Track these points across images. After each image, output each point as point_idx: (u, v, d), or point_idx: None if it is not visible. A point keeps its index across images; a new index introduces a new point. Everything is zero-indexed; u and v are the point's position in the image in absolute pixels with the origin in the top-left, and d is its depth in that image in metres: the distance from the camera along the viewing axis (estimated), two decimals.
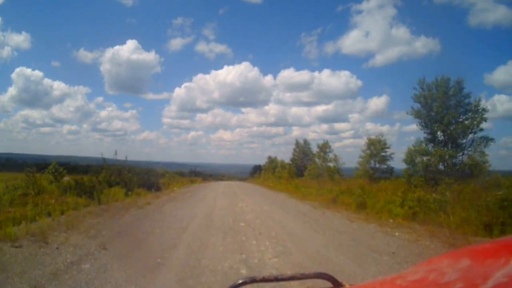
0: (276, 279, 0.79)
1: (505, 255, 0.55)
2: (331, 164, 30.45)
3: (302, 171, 41.53)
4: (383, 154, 24.55)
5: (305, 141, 42.50)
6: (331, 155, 33.59)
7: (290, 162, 42.97)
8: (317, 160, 34.93)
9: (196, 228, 7.67)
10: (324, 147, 34.07)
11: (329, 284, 0.82)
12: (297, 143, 42.71)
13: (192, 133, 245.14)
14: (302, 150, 41.82)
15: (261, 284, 0.82)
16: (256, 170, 78.97)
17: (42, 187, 11.31)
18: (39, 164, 16.46)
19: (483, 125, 18.01)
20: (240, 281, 0.77)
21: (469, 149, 18.91)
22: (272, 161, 59.38)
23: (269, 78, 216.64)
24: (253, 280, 0.77)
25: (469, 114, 18.52)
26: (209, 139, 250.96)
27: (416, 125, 20.27)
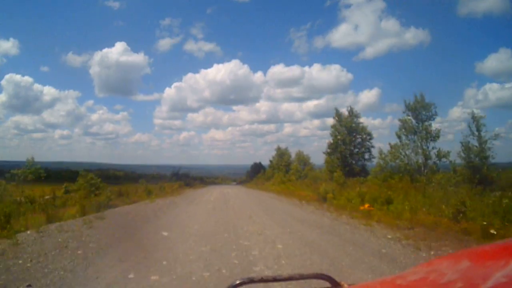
0: (275, 279, 0.77)
1: (504, 257, 0.55)
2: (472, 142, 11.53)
3: (351, 167, 23.04)
4: None
5: (351, 111, 23.59)
6: (436, 125, 15.22)
7: (329, 151, 23.90)
8: (404, 139, 16.11)
9: None
10: (421, 106, 15.44)
11: (327, 284, 0.78)
12: (337, 115, 23.71)
13: (184, 134, 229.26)
14: (349, 127, 23.03)
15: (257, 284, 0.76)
16: (257, 170, 60.05)
17: None
18: None
19: None
20: (238, 282, 0.74)
21: None
22: (282, 154, 40.36)
23: (259, 75, 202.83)
24: (251, 281, 0.74)
25: None
26: (201, 139, 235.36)
27: None
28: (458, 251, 0.73)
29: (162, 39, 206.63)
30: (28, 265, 4.13)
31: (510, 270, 0.49)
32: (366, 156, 23.24)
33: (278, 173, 36.43)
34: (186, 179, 46.43)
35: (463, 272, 0.57)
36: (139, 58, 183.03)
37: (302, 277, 0.78)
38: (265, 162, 64.74)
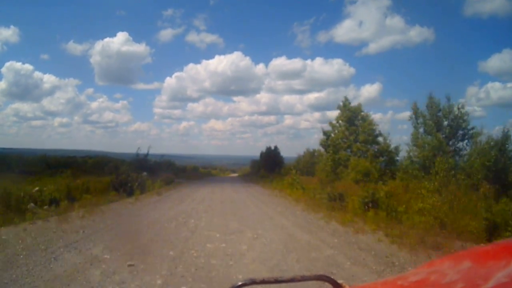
0: (276, 281, 0.75)
1: (506, 257, 0.54)
2: None
3: None
4: None
5: None
6: None
7: None
8: None
9: None
10: None
11: (329, 286, 0.77)
12: None
13: (184, 123, 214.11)
14: None
15: (260, 285, 0.75)
16: (272, 159, 37.46)
17: None
18: None
19: None
20: (240, 283, 0.72)
21: None
22: (354, 114, 16.89)
23: (261, 67, 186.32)
24: (253, 282, 0.72)
25: None
26: (201, 129, 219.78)
27: None
28: (459, 251, 0.69)
29: (164, 29, 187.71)
30: None
31: (511, 270, 0.48)
32: None
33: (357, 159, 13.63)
34: (158, 170, 24.03)
35: (464, 273, 0.55)
36: (140, 48, 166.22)
37: (304, 278, 0.76)
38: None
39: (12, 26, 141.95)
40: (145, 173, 19.21)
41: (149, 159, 26.20)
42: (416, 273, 0.66)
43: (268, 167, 35.01)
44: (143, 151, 24.35)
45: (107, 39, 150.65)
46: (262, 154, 42.37)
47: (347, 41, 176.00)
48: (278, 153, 40.89)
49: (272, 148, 41.58)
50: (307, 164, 21.35)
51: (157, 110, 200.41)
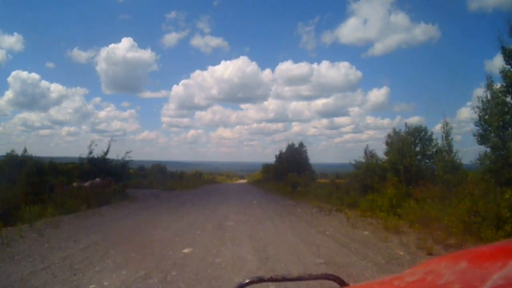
0: (284, 279, 0.75)
1: (502, 258, 0.53)
2: None
3: None
4: None
5: None
6: None
7: None
8: None
9: None
10: None
11: (335, 285, 0.78)
12: None
13: (192, 132, 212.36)
14: None
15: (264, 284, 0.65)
16: (300, 165, 25.14)
17: None
18: None
19: None
20: (247, 281, 0.73)
21: None
22: None
23: (267, 72, 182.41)
24: (261, 280, 0.73)
25: None
26: (209, 137, 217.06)
27: None
28: (456, 252, 0.70)
29: (168, 33, 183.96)
30: None
31: (507, 272, 0.48)
32: None
33: None
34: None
35: (461, 273, 0.55)
36: (146, 54, 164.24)
37: (311, 277, 0.76)
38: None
39: (15, 33, 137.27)
40: (97, 180, 14.15)
41: (109, 161, 17.48)
42: (412, 273, 0.64)
43: (293, 171, 22.37)
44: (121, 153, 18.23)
45: (112, 45, 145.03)
46: (280, 155, 29.19)
47: (353, 41, 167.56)
48: (305, 151, 28.00)
49: (296, 145, 28.69)
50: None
51: (165, 119, 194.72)
